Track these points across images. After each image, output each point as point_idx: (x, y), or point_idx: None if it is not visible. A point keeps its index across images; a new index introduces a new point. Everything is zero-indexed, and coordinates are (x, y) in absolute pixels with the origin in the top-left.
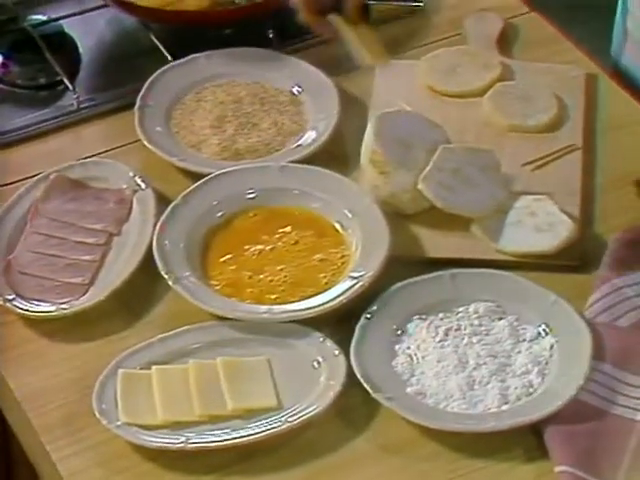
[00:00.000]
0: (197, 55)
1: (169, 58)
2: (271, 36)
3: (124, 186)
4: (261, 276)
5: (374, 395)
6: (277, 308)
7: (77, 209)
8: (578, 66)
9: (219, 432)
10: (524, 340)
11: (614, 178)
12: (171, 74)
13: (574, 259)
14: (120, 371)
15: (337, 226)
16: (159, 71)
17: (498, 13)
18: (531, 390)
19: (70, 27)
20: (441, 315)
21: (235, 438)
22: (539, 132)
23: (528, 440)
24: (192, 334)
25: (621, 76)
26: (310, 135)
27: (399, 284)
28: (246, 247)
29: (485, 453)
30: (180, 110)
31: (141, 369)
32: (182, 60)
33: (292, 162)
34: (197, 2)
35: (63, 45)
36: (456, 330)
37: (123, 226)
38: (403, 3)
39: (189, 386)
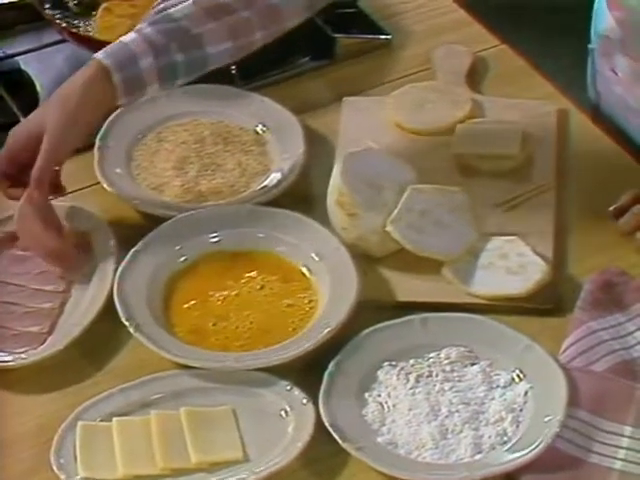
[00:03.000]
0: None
1: None
2: (234, 72)
3: (82, 230)
4: (226, 323)
5: (344, 445)
6: (243, 356)
7: (32, 258)
8: (550, 101)
9: None
10: (497, 386)
11: (588, 217)
12: (131, 113)
13: (548, 302)
14: (79, 423)
15: (304, 270)
16: (119, 110)
17: (467, 46)
18: (505, 439)
19: (27, 64)
20: (412, 361)
21: None
22: (510, 171)
23: None
24: (154, 384)
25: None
26: (275, 176)
27: (368, 329)
28: (210, 293)
29: None
30: (141, 151)
31: (101, 421)
32: (142, 99)
33: (257, 204)
34: None
35: (20, 83)
36: (427, 377)
37: (82, 272)
38: (370, 37)
39: (151, 438)
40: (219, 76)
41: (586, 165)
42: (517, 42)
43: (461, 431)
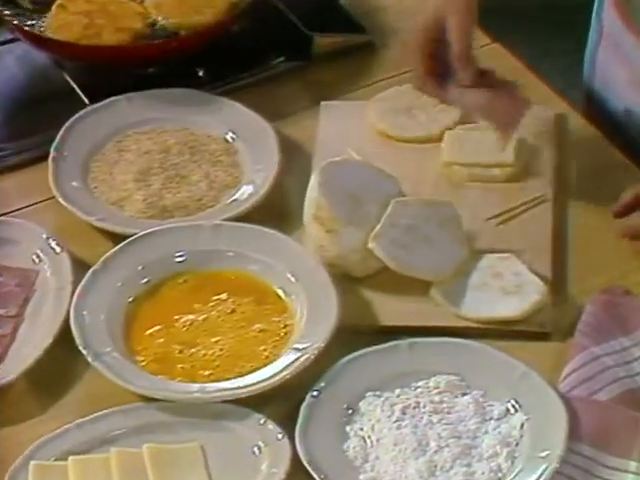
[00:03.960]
0: (117, 98)
1: (86, 101)
2: (201, 75)
3: (35, 251)
4: (193, 350)
5: None
6: (211, 386)
7: None
8: (546, 104)
9: None
10: (491, 418)
11: (589, 232)
12: (88, 120)
13: (546, 325)
14: (32, 463)
15: (279, 292)
16: (75, 117)
17: None
18: (500, 475)
19: None
20: (397, 391)
21: None
22: (504, 182)
23: None
24: (115, 418)
25: (593, 106)
26: (247, 189)
27: (349, 356)
28: (176, 317)
29: None
30: (99, 162)
31: (56, 460)
32: (101, 103)
33: (227, 220)
34: (116, 36)
35: None
36: (414, 408)
37: (35, 297)
38: (350, 35)
39: (111, 478)
40: (185, 79)
41: (586, 175)
42: (509, 42)
43: (451, 467)
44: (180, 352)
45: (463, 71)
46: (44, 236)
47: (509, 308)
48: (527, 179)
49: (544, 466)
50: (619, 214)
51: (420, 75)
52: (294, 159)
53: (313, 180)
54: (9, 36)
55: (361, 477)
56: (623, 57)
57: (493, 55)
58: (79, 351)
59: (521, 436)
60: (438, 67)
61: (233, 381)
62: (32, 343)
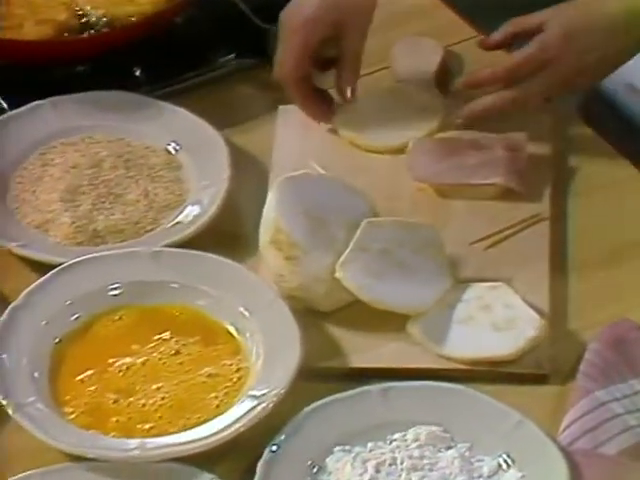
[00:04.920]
0: (40, 102)
1: (4, 106)
2: (138, 74)
3: None
4: (130, 399)
5: None
6: (152, 442)
7: None
8: (541, 106)
9: None
10: (480, 476)
11: (593, 256)
12: (7, 129)
13: (543, 366)
14: None
15: (231, 329)
16: None
17: (436, 38)
18: None
19: None
20: (370, 445)
21: None
22: (493, 198)
23: None
24: None
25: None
26: (192, 209)
27: (314, 405)
28: (110, 361)
29: None
30: (20, 178)
31: None
32: (21, 109)
33: (169, 246)
34: (38, 28)
35: None
36: (390, 465)
37: None
38: None
39: None
40: (119, 80)
41: (590, 189)
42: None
43: None
44: (115, 402)
45: (346, 82)
46: None
47: (500, 346)
48: (520, 195)
49: None
50: (488, 46)
51: (294, 68)
52: (248, 173)
53: (270, 198)
54: None
55: None
56: None
57: (479, 50)
58: None
59: None
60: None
61: (178, 435)
62: None
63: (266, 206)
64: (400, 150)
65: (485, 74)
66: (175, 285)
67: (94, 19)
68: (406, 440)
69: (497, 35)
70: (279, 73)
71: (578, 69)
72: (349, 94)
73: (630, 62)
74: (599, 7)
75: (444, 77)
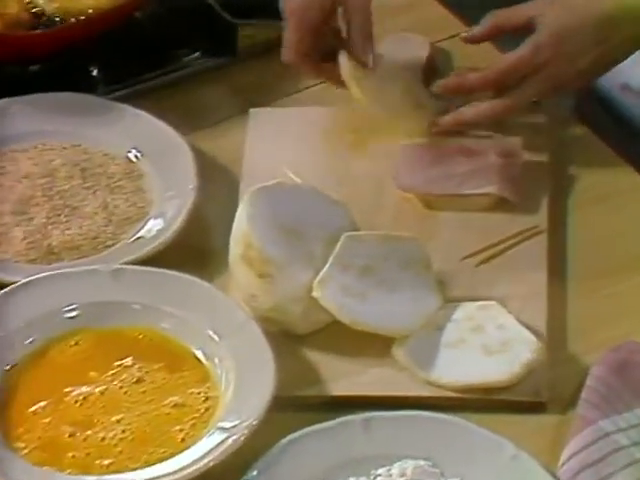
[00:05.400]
0: None
1: None
2: (96, 74)
3: None
4: (88, 432)
5: None
6: (112, 479)
7: None
8: (538, 108)
9: None
10: None
11: (594, 272)
12: None
13: (541, 393)
14: None
15: (199, 354)
16: None
17: (424, 33)
18: None
19: None
20: None
21: None
22: (485, 209)
23: None
24: None
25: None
26: (155, 223)
27: (289, 437)
28: (66, 390)
29: None
30: None
31: None
32: None
33: (130, 263)
34: None
35: None
36: None
37: None
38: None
39: None
40: (75, 80)
41: (590, 198)
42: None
43: None
44: (71, 436)
45: (363, 51)
46: None
47: (493, 371)
48: (516, 206)
49: None
50: (472, 40)
51: (295, 46)
52: (216, 183)
53: (241, 210)
54: None
55: None
56: None
57: (469, 47)
58: None
59: None
60: (317, 38)
61: (140, 472)
62: None
63: (236, 219)
64: (384, 157)
65: (474, 79)
66: (137, 306)
67: (47, 13)
68: (391, 475)
69: (481, 28)
70: (284, 55)
71: (571, 71)
72: (368, 61)
73: (625, 62)
74: (587, 4)
75: (431, 74)
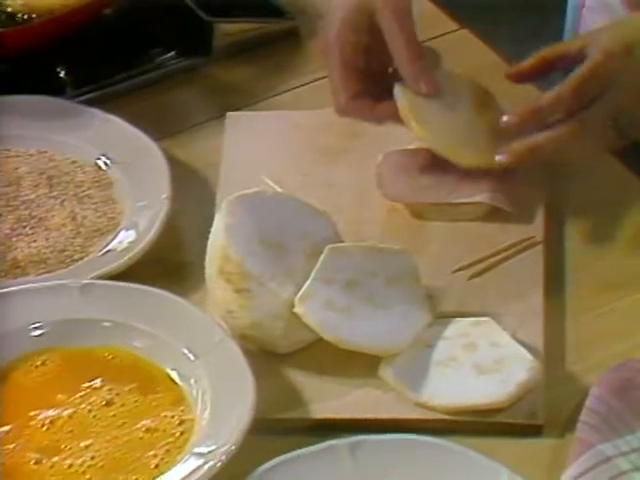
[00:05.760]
0: None
1: None
2: (63, 76)
3: None
4: (55, 459)
5: None
6: None
7: None
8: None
9: None
10: None
11: (595, 287)
12: None
13: (537, 415)
14: None
15: (173, 375)
16: None
17: None
18: None
19: None
20: None
21: None
22: (478, 219)
23: None
24: None
25: None
26: (127, 235)
27: (270, 463)
28: (32, 413)
29: None
30: None
31: None
32: None
33: (100, 278)
34: None
35: None
36: None
37: None
38: (265, 21)
39: None
40: (42, 83)
41: (589, 207)
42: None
43: None
44: (37, 463)
45: (415, 78)
46: None
47: (487, 392)
48: (510, 215)
49: None
50: (517, 77)
51: (342, 91)
52: (191, 192)
53: (217, 221)
54: None
55: None
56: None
57: (461, 46)
58: None
59: None
60: (365, 78)
61: None
62: None
63: (213, 230)
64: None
65: (550, 99)
66: (107, 324)
67: (11, 10)
68: None
69: (528, 63)
70: (337, 106)
71: None
72: (421, 87)
73: None
74: None
75: None
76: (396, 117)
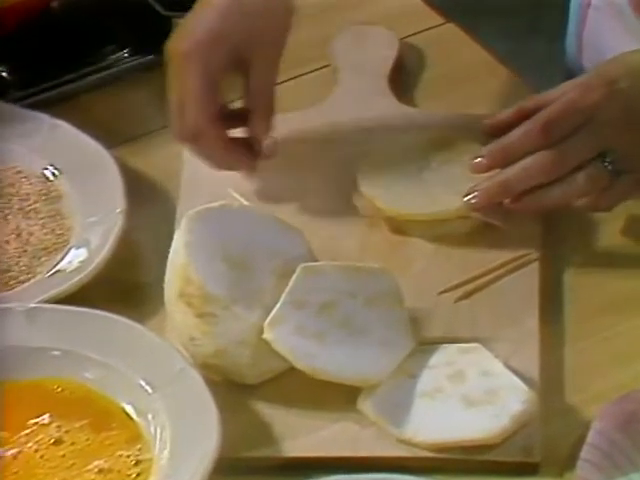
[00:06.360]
0: None
1: None
2: (6, 76)
3: None
4: None
5: None
6: None
7: None
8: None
9: None
10: None
11: (594, 309)
12: None
13: (533, 452)
14: None
15: (128, 410)
16: None
17: (390, 27)
18: None
19: None
20: None
21: None
22: (467, 235)
23: None
24: None
25: None
26: (77, 253)
27: None
28: None
29: None
30: None
31: None
32: None
33: (48, 301)
34: None
35: None
36: None
37: None
38: None
39: None
40: None
41: (589, 223)
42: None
43: None
44: None
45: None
46: None
47: (477, 426)
48: (502, 231)
49: None
50: (494, 130)
51: (204, 108)
52: (148, 206)
53: (177, 238)
54: None
55: None
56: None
57: (446, 42)
58: None
59: None
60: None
61: None
62: None
63: (172, 248)
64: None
65: (516, 136)
66: (56, 353)
67: None
68: None
69: (506, 115)
70: (178, 128)
71: (628, 121)
72: (267, 146)
73: None
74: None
75: (401, 78)
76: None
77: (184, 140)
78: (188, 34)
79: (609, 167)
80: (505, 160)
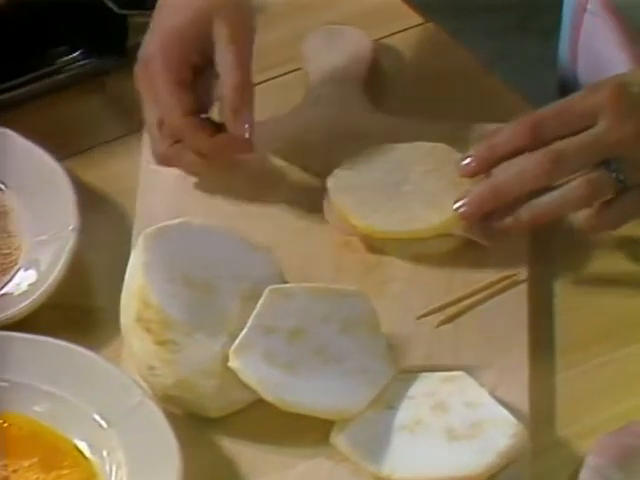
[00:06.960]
0: None
1: None
2: None
3: None
4: None
5: None
6: None
7: None
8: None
9: None
10: None
11: (586, 334)
12: None
13: None
14: None
15: (82, 447)
16: None
17: (365, 27)
18: None
19: None
20: None
21: None
22: (449, 254)
23: None
24: None
25: None
26: (25, 275)
27: None
28: None
29: None
30: None
31: None
32: None
33: None
34: None
35: None
36: None
37: None
38: None
39: None
40: None
41: (581, 240)
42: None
43: None
44: None
45: (234, 118)
46: None
47: (461, 463)
48: (486, 249)
49: None
50: (471, 172)
51: (176, 107)
52: (103, 223)
53: (134, 258)
54: None
55: None
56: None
57: (425, 44)
58: None
59: None
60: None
61: None
62: None
63: (129, 269)
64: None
65: (503, 134)
66: (3, 384)
67: None
68: None
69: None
70: (158, 139)
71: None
72: (243, 131)
73: None
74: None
75: (376, 83)
76: (235, 148)
77: (167, 149)
78: (149, 40)
79: (614, 175)
80: (493, 159)
